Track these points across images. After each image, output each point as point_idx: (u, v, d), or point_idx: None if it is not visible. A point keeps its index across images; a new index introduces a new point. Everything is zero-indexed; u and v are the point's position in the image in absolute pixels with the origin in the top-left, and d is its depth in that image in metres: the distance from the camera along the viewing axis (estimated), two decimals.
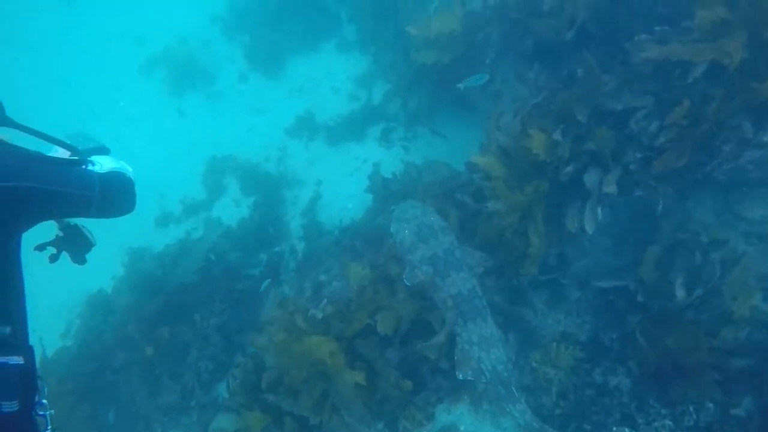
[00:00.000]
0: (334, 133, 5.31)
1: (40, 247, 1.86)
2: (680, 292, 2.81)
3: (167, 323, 4.42)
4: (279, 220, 4.95)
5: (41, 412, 1.45)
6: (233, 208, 5.27)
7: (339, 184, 5.00)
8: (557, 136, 3.02)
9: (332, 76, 5.86)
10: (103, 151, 1.93)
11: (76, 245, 1.93)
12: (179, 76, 6.34)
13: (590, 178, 3.04)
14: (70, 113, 5.99)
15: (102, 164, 1.81)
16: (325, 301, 3.51)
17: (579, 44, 3.34)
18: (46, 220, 1.67)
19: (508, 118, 3.33)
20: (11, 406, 1.33)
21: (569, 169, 3.06)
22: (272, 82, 6.16)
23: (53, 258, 1.92)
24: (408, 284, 3.50)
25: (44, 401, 1.46)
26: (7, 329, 1.40)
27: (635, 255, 3.02)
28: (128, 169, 1.93)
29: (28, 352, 1.40)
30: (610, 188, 2.94)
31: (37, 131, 1.63)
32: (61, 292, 5.03)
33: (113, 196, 1.77)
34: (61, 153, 1.79)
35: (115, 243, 5.32)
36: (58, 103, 6.48)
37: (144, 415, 4.16)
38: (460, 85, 3.85)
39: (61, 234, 1.91)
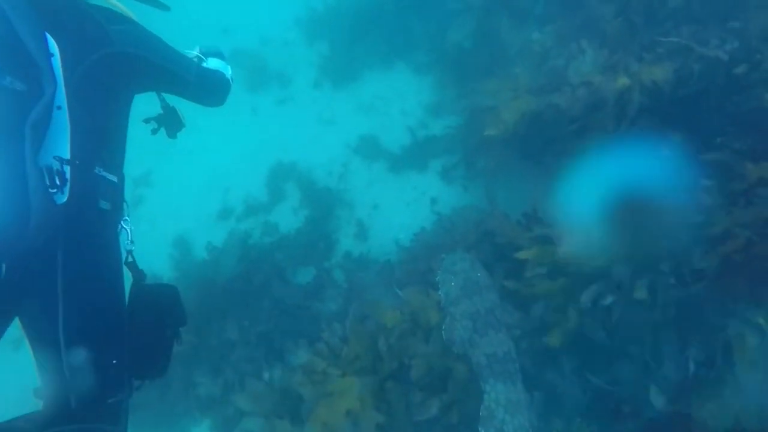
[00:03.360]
0: (397, 159, 5.58)
1: (147, 120, 2.31)
2: None
3: (216, 319, 4.86)
4: (330, 237, 5.28)
5: (125, 225, 1.82)
6: (290, 216, 5.64)
7: (394, 212, 5.28)
8: None
9: (403, 98, 6.11)
10: (219, 55, 2.41)
11: (171, 123, 2.39)
12: (257, 74, 6.72)
13: None
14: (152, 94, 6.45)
15: (209, 62, 2.33)
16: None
17: None
18: (150, 89, 2.09)
19: None
20: (106, 204, 1.69)
21: None
22: (344, 93, 6.46)
23: (154, 131, 2.39)
24: (445, 337, 3.78)
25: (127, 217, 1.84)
26: (114, 178, 1.74)
27: None
28: (228, 72, 2.39)
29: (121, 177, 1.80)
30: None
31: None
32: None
33: (207, 86, 2.21)
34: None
35: (179, 226, 5.83)
36: None
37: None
38: None
39: (161, 112, 2.36)
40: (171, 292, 1.91)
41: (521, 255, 3.61)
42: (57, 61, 1.52)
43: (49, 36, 1.52)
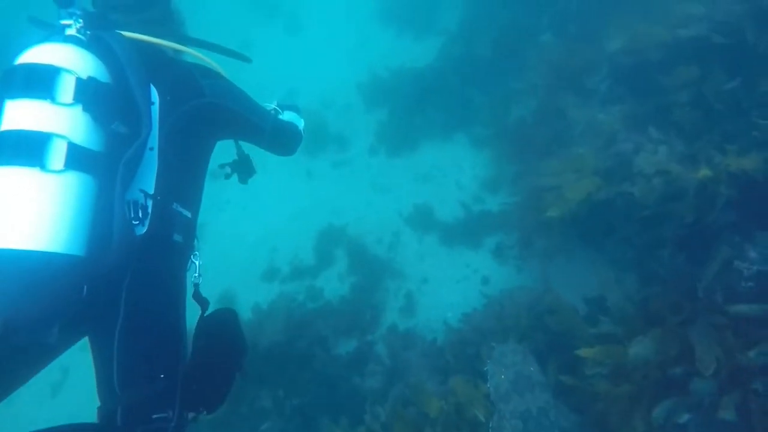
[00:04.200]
0: (450, 233, 5.47)
1: (222, 165, 2.49)
2: None
3: (253, 385, 4.75)
4: (376, 308, 5.14)
5: (194, 260, 1.99)
6: (336, 282, 5.57)
7: (443, 289, 5.13)
8: None
9: (460, 170, 6.06)
10: (294, 108, 2.62)
11: (244, 169, 2.56)
12: (315, 137, 6.86)
13: None
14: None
15: (285, 115, 2.53)
16: None
17: None
18: (230, 137, 2.29)
19: None
20: (179, 238, 1.85)
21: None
22: (400, 161, 6.49)
23: (227, 176, 2.56)
24: None
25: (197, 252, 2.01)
26: (189, 214, 1.90)
27: None
28: (301, 124, 2.60)
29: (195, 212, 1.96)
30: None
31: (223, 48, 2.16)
32: None
33: (281, 137, 2.38)
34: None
35: (225, 281, 5.85)
36: None
37: None
38: None
39: (236, 158, 2.54)
40: (231, 318, 2.02)
41: (583, 353, 3.35)
42: (156, 108, 1.74)
43: (152, 86, 1.74)
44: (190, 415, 1.82)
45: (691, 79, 3.73)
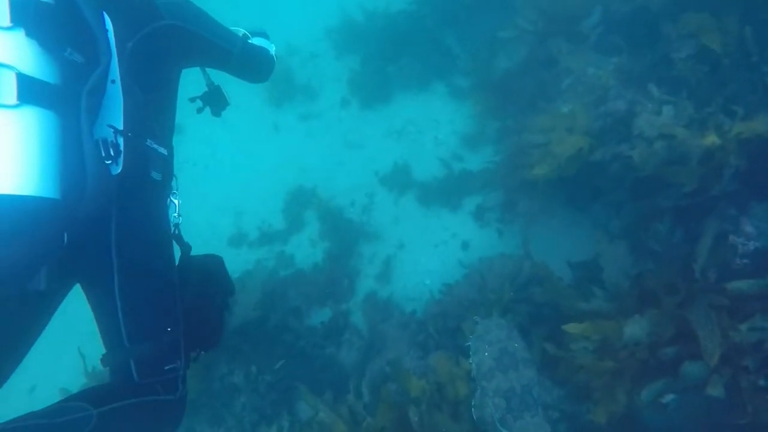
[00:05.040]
0: (427, 194, 5.20)
1: (192, 99, 2.39)
2: None
3: (225, 361, 4.52)
4: (351, 276, 4.91)
5: (173, 198, 1.96)
6: (308, 248, 5.30)
7: (421, 254, 4.91)
8: None
9: (437, 125, 5.72)
10: (264, 35, 2.52)
11: (216, 101, 2.47)
12: (281, 87, 6.36)
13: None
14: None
15: (254, 40, 2.44)
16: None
17: None
18: (196, 64, 2.17)
19: None
20: (157, 176, 1.78)
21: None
22: (373, 115, 6.09)
23: (199, 110, 2.47)
24: (475, 415, 3.47)
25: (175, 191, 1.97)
26: (164, 150, 1.82)
27: None
28: (273, 49, 2.51)
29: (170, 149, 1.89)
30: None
31: None
32: None
33: (251, 61, 2.29)
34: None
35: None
36: None
37: None
38: None
39: (207, 90, 2.45)
40: (217, 261, 2.01)
41: (570, 328, 3.19)
42: (111, 35, 1.60)
43: (104, 13, 1.60)
44: (193, 354, 1.89)
45: (700, 28, 3.39)
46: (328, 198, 5.50)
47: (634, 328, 2.77)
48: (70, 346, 4.46)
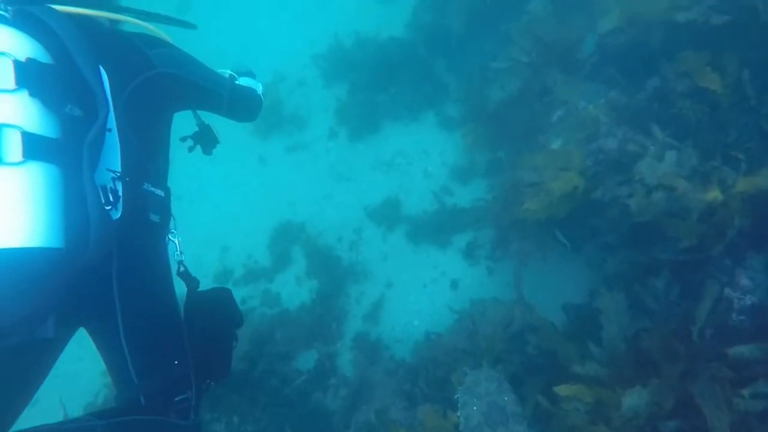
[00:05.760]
0: (416, 229, 5.08)
1: (183, 138, 2.45)
2: None
3: (205, 408, 4.34)
4: (338, 316, 4.76)
5: (172, 238, 2.01)
6: (294, 287, 5.16)
7: (410, 293, 4.77)
8: None
9: (427, 156, 5.60)
10: (250, 74, 2.56)
11: (207, 140, 2.54)
12: (268, 116, 6.23)
13: None
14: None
15: (241, 80, 2.47)
16: None
17: None
18: (188, 108, 2.24)
19: None
20: (156, 218, 1.84)
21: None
22: (362, 145, 5.98)
23: (191, 148, 2.54)
24: None
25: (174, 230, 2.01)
26: (161, 192, 1.88)
27: None
28: (260, 89, 2.55)
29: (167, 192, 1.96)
30: None
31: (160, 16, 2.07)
32: None
33: (240, 102, 2.33)
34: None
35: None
36: None
37: None
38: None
39: (197, 129, 2.52)
40: (225, 294, 2.06)
41: (561, 390, 3.03)
42: (106, 86, 1.66)
43: (100, 66, 1.67)
44: (205, 385, 1.94)
45: (699, 68, 3.26)
46: (316, 234, 5.37)
47: (633, 399, 2.62)
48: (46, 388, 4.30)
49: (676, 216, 2.78)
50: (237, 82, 2.42)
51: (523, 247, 4.13)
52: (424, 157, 5.59)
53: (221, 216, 5.89)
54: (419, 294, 4.76)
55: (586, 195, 3.86)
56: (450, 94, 5.75)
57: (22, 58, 1.45)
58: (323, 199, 5.64)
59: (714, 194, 2.58)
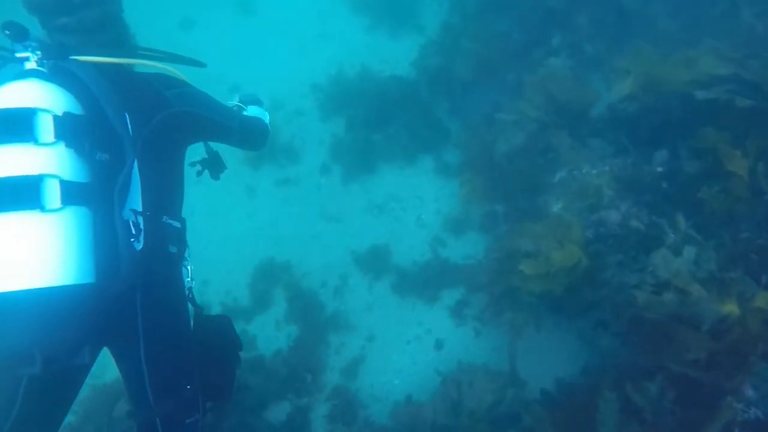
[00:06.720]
0: (404, 281, 4.92)
1: (192, 164, 2.48)
2: None
3: None
4: (315, 367, 4.52)
5: (186, 264, 2.13)
6: (272, 331, 4.96)
7: (392, 349, 4.59)
8: None
9: (421, 203, 5.44)
10: (257, 102, 2.71)
11: (215, 166, 2.61)
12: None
13: None
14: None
15: (249, 110, 2.62)
16: None
17: None
18: (200, 140, 2.36)
19: None
20: (174, 248, 1.97)
21: None
22: (355, 186, 5.81)
23: (199, 173, 2.59)
24: None
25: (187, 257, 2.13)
26: (178, 224, 2.00)
27: None
28: (267, 117, 2.68)
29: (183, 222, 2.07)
30: None
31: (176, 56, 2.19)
32: None
33: (249, 133, 2.48)
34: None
35: None
36: None
37: None
38: None
39: (206, 156, 2.59)
40: (226, 321, 2.24)
41: None
42: (131, 132, 1.83)
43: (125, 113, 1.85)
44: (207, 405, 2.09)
45: (723, 148, 3.10)
46: (300, 275, 5.16)
47: None
48: None
49: (686, 323, 2.61)
50: (245, 113, 2.59)
51: (517, 318, 3.94)
52: (418, 204, 5.43)
53: (202, 245, 5.62)
54: (402, 352, 4.55)
55: (589, 273, 3.69)
56: (450, 139, 5.61)
57: (60, 113, 1.63)
58: (311, 239, 5.44)
59: (731, 308, 2.41)
